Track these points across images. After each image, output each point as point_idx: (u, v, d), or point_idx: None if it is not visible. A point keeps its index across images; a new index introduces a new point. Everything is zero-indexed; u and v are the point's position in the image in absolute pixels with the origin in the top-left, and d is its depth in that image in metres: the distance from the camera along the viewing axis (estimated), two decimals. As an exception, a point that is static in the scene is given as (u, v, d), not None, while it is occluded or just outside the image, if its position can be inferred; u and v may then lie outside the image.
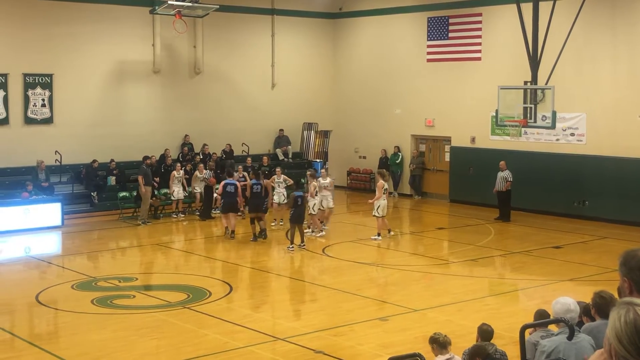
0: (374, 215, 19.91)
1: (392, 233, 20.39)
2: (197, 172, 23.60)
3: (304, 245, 18.88)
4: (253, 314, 13.51)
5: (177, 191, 23.24)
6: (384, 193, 19.70)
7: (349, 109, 29.68)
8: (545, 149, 23.60)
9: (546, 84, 20.44)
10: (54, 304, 14.05)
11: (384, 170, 21.51)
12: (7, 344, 11.99)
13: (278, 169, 21.64)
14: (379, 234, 19.91)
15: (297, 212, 18.87)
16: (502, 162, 22.66)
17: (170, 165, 24.32)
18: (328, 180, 21.02)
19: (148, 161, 23.17)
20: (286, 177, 21.36)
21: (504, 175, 22.48)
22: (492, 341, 8.21)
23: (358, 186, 29.38)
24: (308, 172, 21.25)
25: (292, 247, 18.73)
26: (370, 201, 20.16)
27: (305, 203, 19.49)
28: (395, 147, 27.94)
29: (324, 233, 20.37)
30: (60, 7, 23.88)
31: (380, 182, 19.88)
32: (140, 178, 22.04)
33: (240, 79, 27.89)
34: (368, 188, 29.01)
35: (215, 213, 23.37)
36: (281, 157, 28.13)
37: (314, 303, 14.50)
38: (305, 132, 29.32)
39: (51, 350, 11.48)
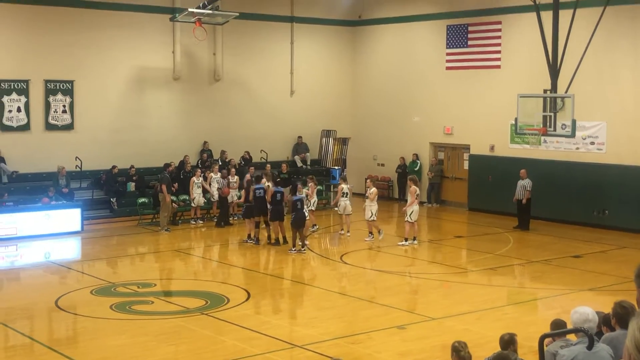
0: (407, 221, 20.03)
1: (381, 236, 20.69)
2: (212, 174, 23.60)
3: (304, 250, 19.17)
4: (271, 321, 13.52)
5: (197, 197, 23.27)
6: (415, 198, 20.06)
7: (368, 116, 29.68)
8: (565, 157, 23.48)
9: (566, 92, 20.35)
10: (73, 309, 14.12)
11: (415, 176, 21.78)
12: (27, 349, 12.07)
13: (299, 185, 20.85)
14: (406, 239, 20.18)
15: (298, 216, 19.10)
16: (522, 171, 22.57)
17: (189, 172, 24.43)
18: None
19: (170, 168, 23.26)
20: (307, 192, 21.05)
21: (524, 183, 22.40)
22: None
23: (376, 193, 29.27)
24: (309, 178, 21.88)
25: (294, 250, 19.08)
26: (404, 208, 20.36)
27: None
28: (413, 154, 27.90)
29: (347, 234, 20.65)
30: (81, 14, 24.08)
31: (413, 187, 20.16)
32: (164, 186, 22.08)
33: (260, 86, 27.98)
34: (386, 196, 28.98)
35: (233, 220, 23.46)
36: (299, 164, 28.17)
37: (332, 310, 14.48)
38: (323, 139, 29.36)
39: (70, 355, 11.55)
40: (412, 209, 19.99)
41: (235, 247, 20.42)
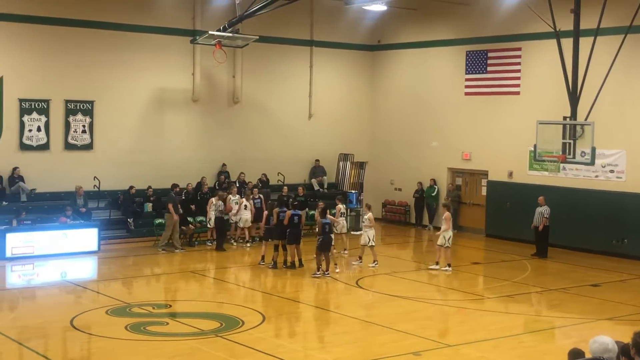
0: (446, 246, 20.11)
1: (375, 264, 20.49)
2: (230, 196, 23.51)
3: (328, 274, 19.09)
4: (285, 345, 13.45)
5: (214, 219, 23.22)
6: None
7: (386, 140, 29.67)
8: (583, 185, 23.34)
9: (586, 119, 20.23)
10: (88, 329, 14.11)
11: (449, 202, 21.80)
12: (41, 368, 12.07)
13: (330, 217, 20.67)
14: (449, 265, 20.22)
15: (325, 239, 19.09)
16: (540, 198, 22.46)
17: (206, 193, 24.50)
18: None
19: (177, 189, 23.30)
20: (332, 218, 20.67)
21: (542, 210, 22.27)
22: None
23: (393, 218, 29.26)
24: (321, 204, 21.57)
25: (319, 274, 19.00)
26: (438, 233, 20.43)
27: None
28: (431, 179, 27.83)
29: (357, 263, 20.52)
30: (102, 35, 24.30)
31: (447, 213, 20.29)
32: (170, 206, 22.21)
33: (278, 109, 28.07)
34: (403, 220, 28.89)
35: (229, 245, 23.27)
36: (316, 187, 28.17)
37: (347, 335, 14.39)
38: (341, 163, 29.37)
39: (84, 375, 11.53)
40: (449, 234, 20.09)
41: (250, 270, 20.37)
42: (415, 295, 17.48)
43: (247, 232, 23.64)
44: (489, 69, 26.22)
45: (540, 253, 22.41)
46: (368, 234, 20.39)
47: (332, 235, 20.08)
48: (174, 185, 23.31)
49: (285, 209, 20.48)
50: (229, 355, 12.57)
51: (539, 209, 22.37)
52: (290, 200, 23.18)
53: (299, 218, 20.18)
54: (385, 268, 20.52)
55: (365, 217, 20.62)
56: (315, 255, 19.31)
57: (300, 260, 20.10)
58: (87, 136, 24.20)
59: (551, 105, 23.11)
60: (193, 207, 23.86)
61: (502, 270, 20.67)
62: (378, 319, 15.12)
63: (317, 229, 19.96)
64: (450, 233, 20.19)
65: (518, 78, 25.36)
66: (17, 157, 23.11)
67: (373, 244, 20.48)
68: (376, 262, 20.48)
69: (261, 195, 23.89)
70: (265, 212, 21.32)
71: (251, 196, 23.76)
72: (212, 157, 26.37)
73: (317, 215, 20.07)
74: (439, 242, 20.29)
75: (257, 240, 23.44)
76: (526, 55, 25.14)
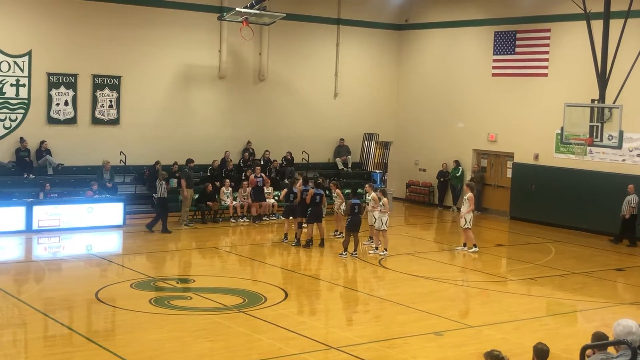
0: (467, 228, 19.99)
1: (376, 251, 19.69)
2: (253, 174, 23.70)
3: (356, 254, 19.04)
4: (307, 322, 13.53)
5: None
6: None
7: (411, 120, 29.57)
8: (610, 169, 23.14)
9: (614, 102, 20.03)
10: (112, 302, 14.28)
11: (473, 183, 21.66)
12: (66, 339, 12.22)
13: (368, 187, 20.43)
14: (475, 245, 20.17)
15: (354, 220, 18.97)
16: (630, 186, 21.85)
17: (231, 170, 24.60)
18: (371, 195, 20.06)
19: (191, 164, 23.43)
20: (375, 197, 19.58)
21: (629, 199, 21.74)
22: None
23: (417, 199, 29.22)
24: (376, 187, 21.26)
25: (345, 254, 18.93)
26: (462, 215, 20.13)
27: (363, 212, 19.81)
28: (454, 161, 27.71)
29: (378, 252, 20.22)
30: (130, 10, 24.37)
31: (470, 194, 20.08)
32: (183, 181, 22.37)
33: (304, 87, 28.04)
34: (427, 201, 28.83)
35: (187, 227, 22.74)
36: (340, 166, 28.17)
37: (369, 314, 14.45)
38: (365, 143, 29.32)
39: (108, 347, 11.66)
40: (471, 216, 19.99)
41: (274, 247, 20.46)
42: (438, 276, 17.49)
43: (231, 208, 23.76)
44: (517, 50, 25.99)
45: (618, 240, 21.93)
46: (376, 216, 19.49)
47: (361, 216, 19.67)
48: (189, 160, 23.48)
49: (309, 187, 20.54)
50: (252, 331, 12.67)
51: (627, 197, 21.83)
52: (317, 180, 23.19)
53: (321, 197, 20.18)
54: (407, 248, 20.52)
55: (369, 197, 20.28)
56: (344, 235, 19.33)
57: (322, 240, 20.14)
58: (113, 111, 24.34)
59: (579, 87, 22.89)
60: (218, 183, 23.95)
61: (525, 253, 20.61)
62: (400, 298, 15.15)
63: (346, 209, 19.96)
64: (471, 214, 20.03)
65: (546, 60, 25.13)
66: (45, 130, 23.31)
67: (386, 228, 19.59)
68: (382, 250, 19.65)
69: (263, 175, 23.93)
70: (285, 190, 21.32)
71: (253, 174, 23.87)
72: (237, 135, 26.43)
73: (368, 187, 20.15)
74: (461, 223, 20.22)
75: (258, 221, 23.59)
76: (555, 37, 24.89)
